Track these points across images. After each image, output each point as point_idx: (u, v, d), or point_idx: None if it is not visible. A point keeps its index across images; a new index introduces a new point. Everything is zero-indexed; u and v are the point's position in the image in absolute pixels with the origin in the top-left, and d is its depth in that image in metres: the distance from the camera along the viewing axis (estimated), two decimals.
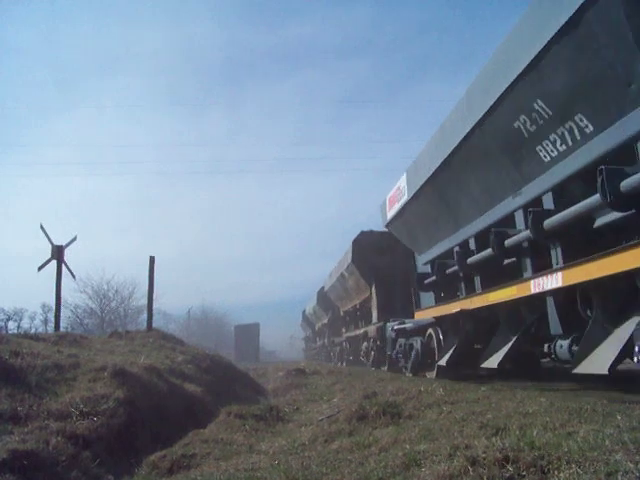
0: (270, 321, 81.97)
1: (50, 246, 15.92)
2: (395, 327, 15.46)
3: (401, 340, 15.04)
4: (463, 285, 11.51)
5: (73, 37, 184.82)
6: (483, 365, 9.69)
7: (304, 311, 49.58)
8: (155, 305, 17.56)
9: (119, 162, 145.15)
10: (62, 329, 17.66)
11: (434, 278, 12.70)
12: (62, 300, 16.83)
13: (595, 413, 4.81)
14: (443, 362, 11.39)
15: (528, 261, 8.66)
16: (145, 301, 18.70)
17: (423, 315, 13.90)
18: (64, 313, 33.12)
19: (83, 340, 11.78)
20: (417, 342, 13.57)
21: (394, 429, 5.66)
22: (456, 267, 11.23)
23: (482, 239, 10.12)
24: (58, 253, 15.77)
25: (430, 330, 13.06)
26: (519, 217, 8.75)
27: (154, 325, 17.80)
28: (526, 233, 8.14)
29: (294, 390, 12.37)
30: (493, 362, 9.26)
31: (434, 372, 12.42)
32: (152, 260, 15.95)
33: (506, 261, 9.30)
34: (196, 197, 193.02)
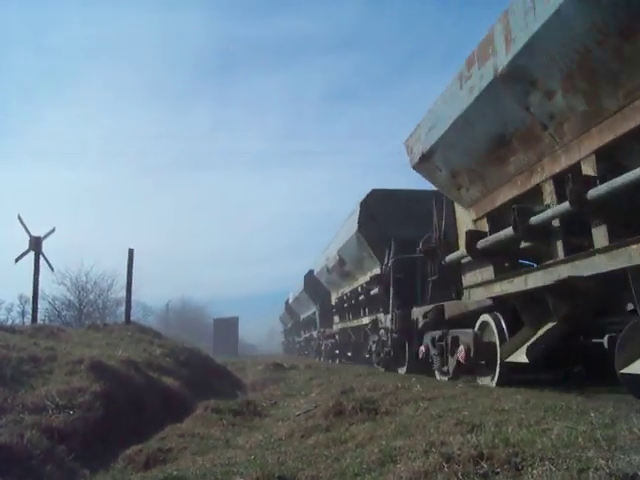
0: (250, 314, 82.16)
1: (28, 237, 15.77)
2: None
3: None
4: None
5: (60, 23, 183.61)
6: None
7: (287, 301, 45.79)
8: (134, 297, 17.42)
9: (102, 153, 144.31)
10: (39, 321, 17.53)
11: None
12: (40, 292, 16.70)
13: (570, 410, 4.86)
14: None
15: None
16: (123, 293, 18.57)
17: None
18: (42, 305, 32.80)
19: (60, 332, 11.69)
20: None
21: (371, 425, 5.69)
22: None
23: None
24: (36, 244, 15.61)
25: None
26: None
27: (133, 317, 17.72)
28: None
29: (272, 385, 12.40)
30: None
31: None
32: (131, 253, 15.87)
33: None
34: (180, 190, 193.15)
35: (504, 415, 4.88)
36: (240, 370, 17.76)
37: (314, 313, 32.75)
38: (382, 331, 15.51)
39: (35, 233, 15.87)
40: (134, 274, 16.52)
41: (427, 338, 11.09)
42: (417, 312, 12.19)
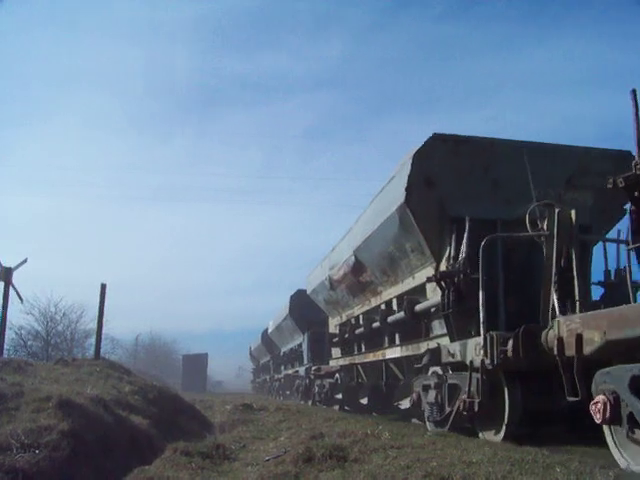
0: (218, 351, 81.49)
1: None
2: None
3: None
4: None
5: (41, 49, 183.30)
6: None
7: (250, 347, 54.21)
8: (103, 330, 17.23)
9: (79, 183, 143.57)
10: (5, 351, 17.24)
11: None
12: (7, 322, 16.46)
13: (535, 465, 4.95)
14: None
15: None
16: (93, 325, 18.46)
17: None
18: (8, 334, 32.23)
19: (28, 367, 11.52)
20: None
21: (340, 473, 5.70)
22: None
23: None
24: (6, 275, 15.44)
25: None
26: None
27: (101, 351, 17.52)
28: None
29: (241, 426, 12.26)
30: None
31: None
32: (104, 288, 15.75)
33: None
34: (155, 223, 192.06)
35: (472, 468, 4.95)
36: (208, 409, 17.54)
37: (300, 345, 30.59)
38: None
39: (5, 262, 15.71)
40: (105, 307, 16.38)
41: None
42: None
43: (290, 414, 14.39)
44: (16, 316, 34.00)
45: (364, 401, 15.49)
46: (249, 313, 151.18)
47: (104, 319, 16.71)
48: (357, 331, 15.53)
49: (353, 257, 14.04)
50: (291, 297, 27.23)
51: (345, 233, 15.43)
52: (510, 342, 7.22)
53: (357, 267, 14.08)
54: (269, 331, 36.76)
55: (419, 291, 10.91)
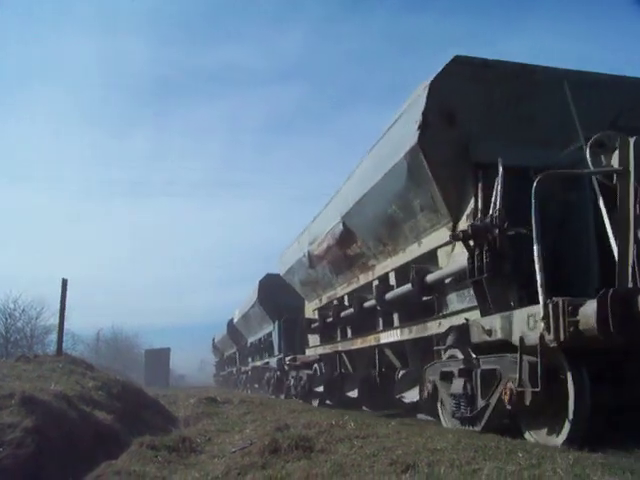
0: (180, 345, 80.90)
1: None
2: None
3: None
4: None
5: None
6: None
7: (214, 339, 51.01)
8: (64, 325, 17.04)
9: (38, 177, 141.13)
10: None
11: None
12: None
13: (498, 450, 5.08)
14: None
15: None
16: (53, 321, 18.29)
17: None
18: None
19: None
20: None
21: (306, 463, 5.76)
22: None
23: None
24: None
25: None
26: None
27: (62, 347, 17.32)
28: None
29: (206, 419, 12.27)
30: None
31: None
32: (65, 283, 15.56)
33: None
34: (115, 218, 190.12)
35: (437, 455, 5.06)
36: (172, 403, 17.48)
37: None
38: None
39: None
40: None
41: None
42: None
43: (254, 406, 14.44)
44: None
45: (353, 394, 13.01)
46: (210, 307, 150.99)
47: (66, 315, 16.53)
48: (343, 314, 13.38)
49: (341, 225, 11.82)
50: (260, 282, 24.89)
51: (329, 199, 13.33)
52: (592, 310, 5.30)
53: (345, 237, 11.92)
54: (235, 321, 34.24)
55: (427, 260, 9.18)
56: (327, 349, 14.88)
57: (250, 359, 31.87)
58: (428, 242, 9.05)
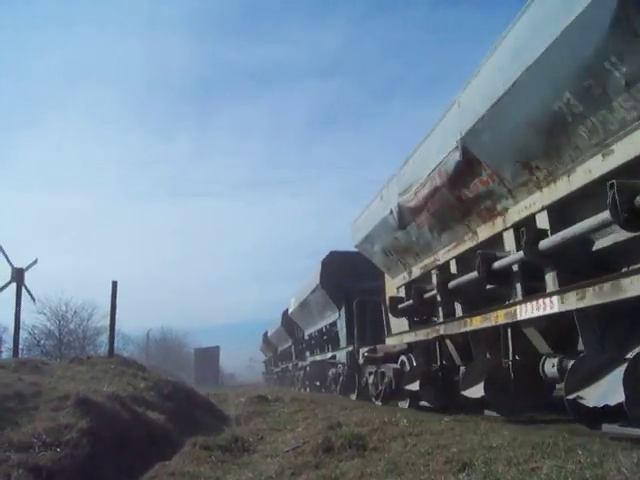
0: (229, 343, 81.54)
1: (9, 268, 15.67)
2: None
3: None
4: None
5: (41, 46, 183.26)
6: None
7: (266, 333, 48.06)
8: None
9: (85, 179, 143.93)
10: (19, 351, 17.35)
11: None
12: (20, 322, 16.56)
13: (557, 447, 4.93)
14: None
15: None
16: (104, 322, 18.53)
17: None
18: (21, 334, 32.44)
19: (44, 366, 11.59)
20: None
21: (360, 462, 5.71)
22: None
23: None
24: (18, 276, 15.52)
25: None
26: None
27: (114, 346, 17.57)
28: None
29: (257, 418, 12.32)
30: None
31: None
32: (115, 285, 15.75)
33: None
34: (161, 218, 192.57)
35: (493, 452, 4.94)
36: (222, 402, 17.65)
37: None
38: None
39: (16, 262, 15.80)
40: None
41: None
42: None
43: (305, 404, 14.46)
44: (29, 316, 34.33)
45: (473, 393, 8.94)
46: (257, 305, 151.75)
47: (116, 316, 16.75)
48: (451, 284, 10.08)
49: (457, 153, 8.53)
50: (323, 262, 21.10)
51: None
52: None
53: (463, 170, 8.64)
54: (290, 311, 30.52)
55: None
56: (420, 335, 11.59)
57: (308, 353, 28.41)
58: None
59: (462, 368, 10.21)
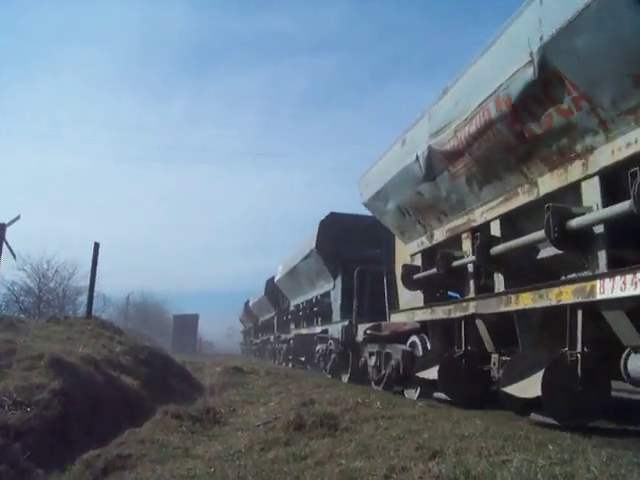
0: (209, 311, 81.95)
1: None
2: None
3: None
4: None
5: (37, 4, 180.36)
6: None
7: (247, 302, 45.77)
8: (95, 288, 17.19)
9: (73, 138, 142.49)
10: None
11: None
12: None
13: (528, 441, 4.94)
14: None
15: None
16: (85, 282, 18.43)
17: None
18: (0, 290, 32.37)
19: (20, 324, 11.56)
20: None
21: (330, 441, 5.70)
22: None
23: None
24: None
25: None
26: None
27: (92, 309, 17.51)
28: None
29: (231, 389, 12.34)
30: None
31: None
32: (97, 247, 15.66)
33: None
34: (149, 182, 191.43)
35: (464, 442, 4.94)
36: (198, 370, 17.69)
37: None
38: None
39: None
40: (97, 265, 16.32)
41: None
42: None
43: (280, 378, 14.49)
44: (8, 272, 34.10)
45: (523, 392, 6.71)
46: (240, 275, 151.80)
47: (97, 278, 16.67)
48: (494, 251, 7.92)
49: (531, 70, 6.32)
50: (322, 223, 18.42)
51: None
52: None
53: (535, 94, 6.49)
54: (277, 279, 27.88)
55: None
56: (440, 313, 9.74)
57: (293, 325, 25.76)
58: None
59: (494, 357, 8.25)
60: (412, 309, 11.01)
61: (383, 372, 11.67)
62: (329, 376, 17.07)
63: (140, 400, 9.19)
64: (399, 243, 12.41)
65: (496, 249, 7.94)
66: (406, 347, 11.04)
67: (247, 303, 45.85)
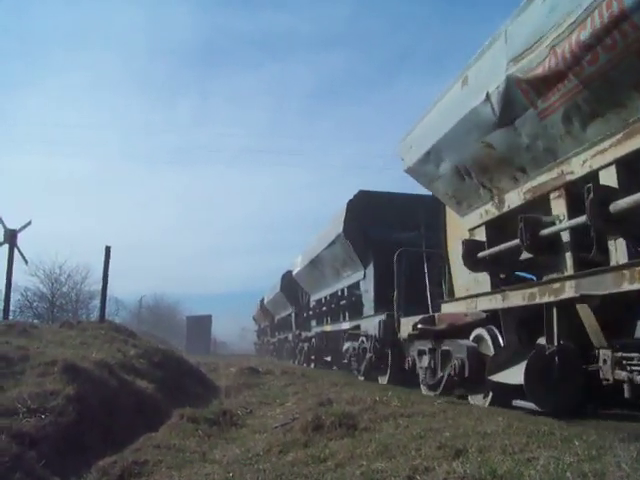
0: (222, 312, 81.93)
1: (2, 230, 15.51)
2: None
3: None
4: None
5: (43, 7, 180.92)
6: None
7: (262, 300, 43.84)
8: (108, 292, 17.17)
9: (82, 143, 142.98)
10: (11, 312, 17.29)
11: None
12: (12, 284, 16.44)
13: (553, 437, 4.80)
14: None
15: None
16: (97, 286, 18.39)
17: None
18: (13, 296, 32.39)
19: (33, 330, 11.49)
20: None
21: (350, 442, 5.59)
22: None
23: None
24: (11, 238, 15.36)
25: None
26: None
27: (105, 313, 17.49)
28: None
29: (247, 390, 12.25)
30: None
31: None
32: (108, 250, 15.60)
33: None
34: (159, 185, 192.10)
35: (487, 440, 4.81)
36: (213, 371, 17.64)
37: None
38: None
39: (10, 224, 15.64)
40: (110, 268, 16.30)
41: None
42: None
43: (296, 378, 14.38)
44: (21, 278, 34.35)
45: None
46: (253, 275, 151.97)
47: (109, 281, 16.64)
48: (615, 207, 5.74)
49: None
50: (350, 204, 15.89)
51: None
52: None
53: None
54: (294, 272, 25.95)
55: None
56: (516, 298, 7.76)
57: (315, 322, 23.76)
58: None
59: (604, 352, 6.36)
60: (473, 296, 9.03)
61: (440, 374, 9.40)
62: (362, 378, 15.06)
63: (155, 404, 9.10)
64: (452, 217, 10.25)
65: (618, 204, 5.73)
66: (471, 343, 8.77)
67: (262, 301, 44.06)
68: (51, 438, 5.87)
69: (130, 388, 8.86)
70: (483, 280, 8.87)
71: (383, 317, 13.52)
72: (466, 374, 8.36)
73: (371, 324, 14.51)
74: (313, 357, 24.09)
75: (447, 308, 10.14)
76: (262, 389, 12.41)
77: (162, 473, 5.08)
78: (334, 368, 20.49)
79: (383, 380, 13.84)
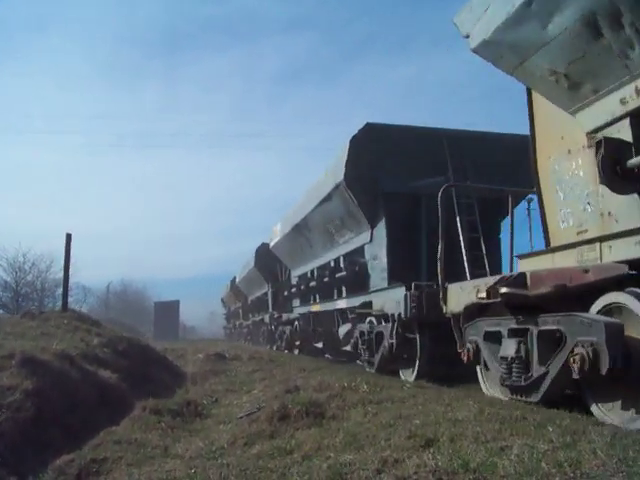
0: (190, 296, 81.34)
1: None
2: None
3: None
4: None
5: None
6: None
7: (233, 280, 39.27)
8: (74, 279, 16.91)
9: (45, 131, 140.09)
10: None
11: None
12: None
13: (526, 422, 4.72)
14: None
15: None
16: (62, 274, 17.97)
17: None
18: None
19: None
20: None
21: (317, 432, 5.47)
22: None
23: None
24: None
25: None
26: None
27: (72, 300, 17.20)
28: None
29: (213, 377, 12.07)
30: None
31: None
32: (69, 238, 15.25)
33: None
34: (124, 171, 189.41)
35: (458, 427, 4.70)
36: (180, 357, 17.47)
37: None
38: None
39: None
40: (75, 256, 16.01)
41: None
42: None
43: (264, 363, 14.24)
44: None
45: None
46: (222, 259, 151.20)
47: (73, 268, 16.36)
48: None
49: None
50: (354, 140, 11.34)
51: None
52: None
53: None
54: (273, 243, 21.59)
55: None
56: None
57: (299, 301, 19.89)
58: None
59: None
60: (601, 239, 5.49)
61: (541, 371, 5.78)
62: (372, 370, 11.31)
63: (120, 394, 8.88)
64: (550, 118, 6.53)
65: None
66: (609, 319, 5.02)
67: (233, 281, 39.50)
68: (7, 436, 5.66)
69: (93, 379, 8.62)
70: (622, 210, 5.41)
71: (402, 290, 9.90)
72: (603, 371, 4.77)
73: (390, 299, 10.53)
74: (297, 343, 20.13)
75: (533, 263, 6.62)
76: (229, 376, 12.24)
77: (121, 471, 4.87)
78: (328, 357, 16.97)
79: (408, 375, 10.35)
